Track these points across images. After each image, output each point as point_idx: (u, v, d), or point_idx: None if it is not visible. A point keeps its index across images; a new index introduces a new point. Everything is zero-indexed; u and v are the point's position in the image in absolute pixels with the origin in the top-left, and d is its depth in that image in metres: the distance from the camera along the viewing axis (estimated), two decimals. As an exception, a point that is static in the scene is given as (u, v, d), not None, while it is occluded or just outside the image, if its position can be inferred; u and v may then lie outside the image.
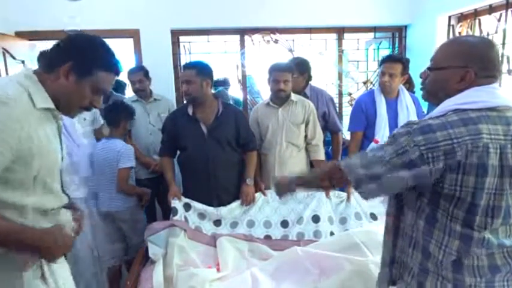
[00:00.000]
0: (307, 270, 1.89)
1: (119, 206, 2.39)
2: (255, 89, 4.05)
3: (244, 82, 3.73)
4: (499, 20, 2.83)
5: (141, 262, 2.06)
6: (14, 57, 2.78)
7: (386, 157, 1.02)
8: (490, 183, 0.97)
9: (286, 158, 2.52)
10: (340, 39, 3.76)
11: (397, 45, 3.82)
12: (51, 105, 1.10)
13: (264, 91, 3.89)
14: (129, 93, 3.96)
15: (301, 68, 2.81)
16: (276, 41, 3.61)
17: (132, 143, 2.70)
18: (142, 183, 2.73)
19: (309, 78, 2.92)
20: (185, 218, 2.25)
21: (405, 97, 2.59)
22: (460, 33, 3.19)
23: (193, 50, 3.69)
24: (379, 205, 2.37)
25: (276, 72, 2.43)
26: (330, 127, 2.85)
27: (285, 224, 2.39)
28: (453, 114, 1.01)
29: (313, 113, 2.54)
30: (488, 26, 2.96)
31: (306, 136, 2.55)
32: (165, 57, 3.46)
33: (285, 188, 1.46)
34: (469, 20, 3.14)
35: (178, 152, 2.51)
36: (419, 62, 2.79)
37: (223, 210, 2.36)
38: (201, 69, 2.25)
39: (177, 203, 2.26)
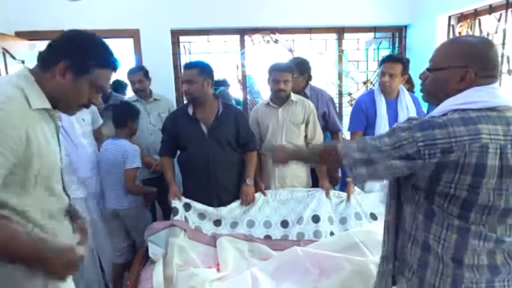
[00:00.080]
0: (307, 270, 1.89)
1: (125, 204, 2.43)
2: (255, 89, 4.05)
3: (244, 82, 3.73)
4: (499, 20, 2.83)
5: (141, 262, 2.06)
6: (14, 57, 2.78)
7: (383, 147, 1.04)
8: (487, 183, 0.97)
9: (286, 158, 2.51)
10: (340, 39, 3.75)
11: (397, 45, 3.82)
12: (48, 106, 1.10)
13: (264, 91, 3.89)
14: (129, 93, 3.97)
15: (301, 68, 2.81)
16: (276, 41, 3.61)
17: (137, 143, 2.71)
18: (144, 183, 2.74)
19: (309, 78, 2.92)
20: (185, 218, 2.25)
21: (405, 97, 2.58)
22: (460, 33, 3.19)
23: (193, 50, 3.69)
24: (379, 205, 2.37)
25: (276, 72, 2.43)
26: (330, 127, 2.85)
27: (285, 224, 2.39)
28: (454, 113, 1.02)
29: (313, 113, 2.54)
30: (488, 26, 2.96)
31: (306, 136, 2.55)
32: (165, 57, 3.46)
33: (280, 158, 1.46)
34: (469, 20, 3.14)
35: (178, 152, 2.51)
36: (419, 62, 2.79)
37: (223, 210, 2.36)
38: (203, 69, 2.25)
39: (177, 203, 2.26)
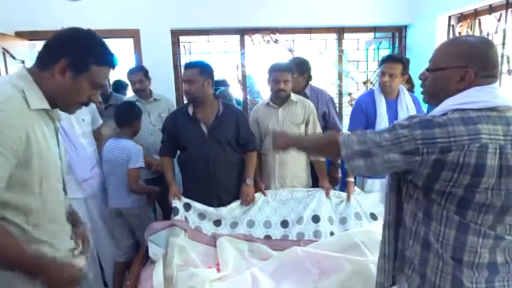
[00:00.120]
0: (307, 270, 1.89)
1: (128, 204, 2.45)
2: (255, 89, 4.05)
3: (244, 82, 3.73)
4: (499, 20, 2.83)
5: (141, 262, 2.06)
6: (14, 57, 2.78)
7: (382, 142, 1.04)
8: (486, 182, 0.97)
9: (286, 158, 2.51)
10: (340, 39, 3.75)
11: (397, 45, 3.82)
12: (46, 106, 1.09)
13: (264, 91, 3.89)
14: (129, 93, 3.97)
15: (301, 68, 2.81)
16: (276, 41, 3.61)
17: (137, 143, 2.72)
18: (145, 183, 2.73)
19: (309, 78, 2.92)
20: (185, 218, 2.25)
21: (405, 97, 2.58)
22: (460, 33, 3.19)
23: (193, 50, 3.69)
24: (379, 205, 2.37)
25: (276, 72, 2.43)
26: (330, 127, 2.85)
27: (285, 224, 2.39)
28: (454, 113, 1.02)
29: (313, 113, 2.54)
30: (488, 26, 2.96)
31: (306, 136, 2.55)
32: (165, 57, 3.46)
33: (280, 144, 1.46)
34: (469, 20, 3.14)
35: (178, 152, 2.51)
36: (419, 62, 2.79)
37: (223, 211, 2.36)
38: (203, 69, 2.25)
39: (177, 203, 2.26)
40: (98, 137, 2.60)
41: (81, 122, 2.38)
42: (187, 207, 2.30)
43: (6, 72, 2.66)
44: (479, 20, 3.04)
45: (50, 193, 1.11)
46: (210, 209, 2.34)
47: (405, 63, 2.50)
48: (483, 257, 1.02)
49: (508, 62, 2.78)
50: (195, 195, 2.34)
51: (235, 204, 2.40)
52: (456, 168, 0.97)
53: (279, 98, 2.49)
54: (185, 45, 3.64)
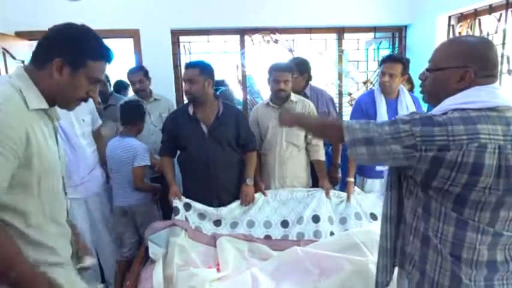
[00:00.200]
0: (307, 270, 1.89)
1: (133, 201, 2.48)
2: (255, 89, 4.05)
3: (244, 82, 3.73)
4: (499, 20, 2.83)
5: (141, 262, 2.06)
6: (14, 57, 2.78)
7: (383, 134, 1.05)
8: (483, 182, 0.98)
9: (286, 158, 2.52)
10: (340, 39, 3.76)
11: (397, 45, 3.82)
12: (45, 106, 1.09)
13: (264, 91, 3.89)
14: (130, 93, 3.96)
15: (301, 68, 2.81)
16: (276, 41, 3.61)
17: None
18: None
19: (309, 78, 2.92)
20: (185, 218, 2.25)
21: (405, 97, 2.58)
22: (460, 33, 3.19)
23: (193, 50, 3.69)
24: (379, 205, 2.36)
25: (276, 72, 2.43)
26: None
27: (285, 224, 2.39)
28: (454, 112, 1.03)
29: (313, 113, 2.54)
30: (488, 26, 2.96)
31: (306, 136, 2.55)
32: (165, 57, 3.46)
33: (287, 120, 1.50)
34: (469, 20, 3.14)
35: (178, 152, 2.51)
36: (419, 62, 2.79)
37: (223, 211, 2.36)
38: (204, 69, 2.25)
39: (178, 203, 2.26)
40: (98, 137, 2.60)
41: (81, 122, 2.38)
42: (188, 207, 2.30)
43: (7, 72, 2.66)
44: (479, 20, 3.04)
45: (49, 193, 1.10)
46: (210, 209, 2.33)
47: (405, 63, 2.50)
48: (482, 254, 1.03)
49: (508, 62, 2.78)
50: (195, 195, 2.34)
51: (235, 204, 2.40)
52: (454, 167, 0.98)
53: (279, 98, 2.49)
54: (185, 45, 3.64)
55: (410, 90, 3.11)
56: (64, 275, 1.17)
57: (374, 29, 3.72)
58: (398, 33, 3.79)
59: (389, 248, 1.23)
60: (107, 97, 3.35)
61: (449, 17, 3.24)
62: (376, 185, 2.60)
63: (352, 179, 2.53)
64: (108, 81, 3.53)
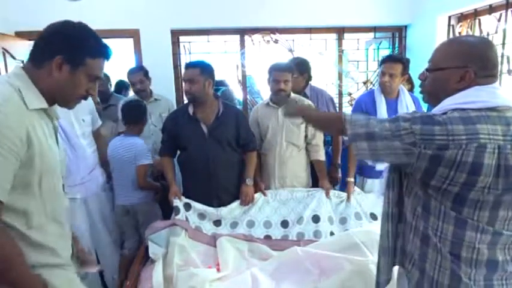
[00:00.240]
0: (307, 270, 1.89)
1: (135, 200, 2.51)
2: (255, 89, 4.05)
3: (244, 82, 3.73)
4: (499, 20, 2.83)
5: (141, 262, 2.06)
6: (14, 57, 2.78)
7: (383, 131, 1.06)
8: (482, 181, 0.98)
9: (286, 158, 2.52)
10: (340, 39, 3.76)
11: (397, 45, 3.82)
12: (44, 105, 1.09)
13: (264, 91, 3.89)
14: (131, 93, 3.96)
15: (301, 68, 2.81)
16: (276, 41, 3.61)
17: None
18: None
19: (309, 78, 2.92)
20: (186, 217, 2.25)
21: (405, 97, 2.58)
22: (460, 33, 3.19)
23: (193, 50, 3.69)
24: (379, 205, 2.36)
25: (276, 72, 2.43)
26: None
27: (285, 224, 2.39)
28: (454, 112, 1.03)
29: (313, 113, 2.54)
30: (488, 26, 2.96)
31: (306, 136, 2.55)
32: (165, 57, 3.46)
33: (291, 111, 1.51)
34: (469, 20, 3.14)
35: (178, 152, 2.51)
36: (419, 62, 2.78)
37: (223, 211, 2.36)
38: (204, 69, 2.25)
39: (178, 202, 2.26)
40: (98, 137, 2.60)
41: (82, 122, 2.38)
42: (187, 207, 2.30)
43: (7, 72, 2.66)
44: (479, 20, 3.04)
45: (50, 193, 1.10)
46: (210, 209, 2.33)
47: (405, 63, 2.50)
48: (482, 253, 1.03)
49: (508, 62, 2.78)
50: (195, 195, 2.34)
51: (235, 204, 2.40)
52: (453, 166, 0.98)
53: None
54: (185, 45, 3.64)
55: (411, 90, 3.11)
56: (65, 276, 1.17)
57: (374, 29, 3.72)
58: (398, 33, 3.79)
59: (390, 247, 1.23)
60: (107, 97, 3.35)
61: (449, 17, 3.24)
62: (376, 185, 2.60)
63: (352, 179, 2.54)
64: (109, 81, 3.53)
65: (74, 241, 1.30)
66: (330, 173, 2.76)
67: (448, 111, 1.05)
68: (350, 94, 3.90)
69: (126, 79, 3.53)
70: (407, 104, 2.57)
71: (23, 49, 2.96)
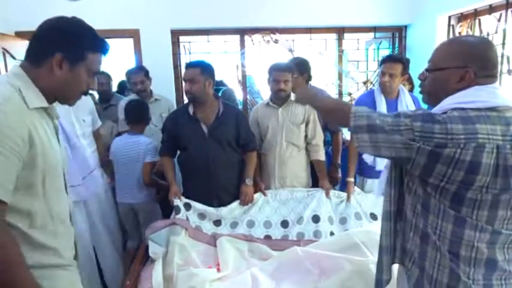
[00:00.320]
0: (307, 270, 1.89)
1: (138, 199, 2.54)
2: (255, 89, 4.05)
3: (244, 82, 3.73)
4: (499, 20, 2.83)
5: (141, 261, 2.06)
6: (14, 57, 2.78)
7: (385, 126, 1.06)
8: (480, 180, 0.98)
9: (286, 158, 2.52)
10: (340, 39, 3.76)
11: (397, 45, 3.82)
12: (45, 104, 1.08)
13: (264, 91, 3.89)
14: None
15: (301, 68, 2.81)
16: (276, 41, 3.61)
17: None
18: None
19: (309, 78, 2.92)
20: (186, 217, 2.25)
21: (405, 97, 2.58)
22: (460, 33, 3.19)
23: (193, 50, 3.69)
24: (379, 205, 2.36)
25: (276, 72, 2.43)
26: (330, 127, 2.85)
27: (285, 224, 2.39)
28: (453, 112, 1.03)
29: (313, 113, 2.54)
30: (488, 26, 2.96)
31: (306, 136, 2.55)
32: (165, 57, 3.46)
33: (301, 97, 1.54)
34: (469, 20, 3.14)
35: (178, 152, 2.51)
36: (419, 62, 2.78)
37: (223, 211, 2.36)
38: (205, 69, 2.26)
39: (178, 202, 2.26)
40: (98, 137, 2.60)
41: (82, 122, 2.38)
42: (188, 207, 2.30)
43: (6, 72, 2.66)
44: (479, 20, 3.04)
45: (54, 192, 1.09)
46: (210, 209, 2.33)
47: (405, 63, 2.50)
48: (481, 252, 1.03)
49: (508, 62, 2.78)
50: (195, 195, 2.34)
51: (235, 204, 2.40)
52: (451, 164, 0.98)
53: (279, 98, 2.49)
54: (185, 45, 3.65)
55: (411, 90, 3.11)
56: (68, 277, 1.16)
57: (374, 29, 3.72)
58: (398, 33, 3.80)
59: (390, 245, 1.24)
60: (109, 97, 3.35)
61: (449, 17, 3.24)
62: (376, 185, 2.60)
63: (352, 179, 2.54)
64: (111, 80, 3.51)
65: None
66: (330, 173, 2.76)
67: (448, 111, 1.05)
68: (350, 94, 3.90)
69: (122, 79, 3.53)
70: (407, 104, 2.57)
71: (23, 49, 2.91)
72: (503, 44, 2.79)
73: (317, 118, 2.58)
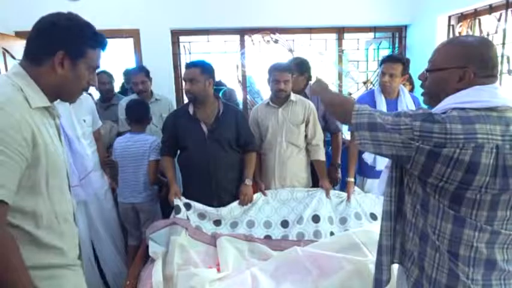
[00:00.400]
0: (307, 270, 1.89)
1: (140, 198, 2.55)
2: (255, 89, 4.05)
3: (244, 82, 3.73)
4: (499, 20, 2.83)
5: (141, 261, 2.06)
6: (14, 57, 2.78)
7: (385, 123, 1.07)
8: (479, 180, 0.98)
9: (286, 158, 2.52)
10: (340, 39, 3.76)
11: (397, 45, 3.82)
12: (47, 103, 1.07)
13: (264, 91, 3.89)
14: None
15: (301, 68, 2.81)
16: (276, 41, 3.61)
17: None
18: None
19: (309, 78, 2.92)
20: (187, 217, 2.25)
21: (405, 97, 2.59)
22: (460, 33, 3.19)
23: (193, 50, 3.69)
24: (379, 205, 2.37)
25: (276, 72, 2.43)
26: (330, 127, 2.85)
27: (285, 224, 2.38)
28: (453, 111, 1.03)
29: (313, 113, 2.54)
30: (488, 26, 2.97)
31: (306, 136, 2.55)
32: (165, 57, 3.46)
33: (314, 90, 1.61)
34: (469, 20, 3.14)
35: (178, 152, 2.51)
36: (419, 62, 2.78)
37: (223, 211, 2.35)
38: (205, 69, 2.26)
39: (179, 202, 2.26)
40: (98, 138, 2.59)
41: (82, 122, 2.38)
42: (188, 206, 2.30)
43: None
44: (479, 20, 3.04)
45: (57, 192, 1.09)
46: (210, 209, 2.33)
47: (405, 63, 2.50)
48: (480, 252, 1.03)
49: (508, 62, 2.79)
50: (195, 195, 2.34)
51: (235, 204, 2.40)
52: (450, 163, 0.98)
53: (279, 98, 2.49)
54: (185, 45, 3.65)
55: (411, 90, 3.11)
56: (73, 277, 1.16)
57: (374, 29, 3.72)
58: (398, 33, 3.80)
59: (390, 244, 1.24)
60: (110, 96, 3.34)
61: (449, 17, 3.24)
62: (376, 185, 2.60)
63: (352, 179, 2.54)
64: (113, 80, 3.50)
65: None
66: (329, 173, 2.76)
67: (448, 111, 1.05)
68: (350, 94, 3.90)
69: (121, 78, 3.52)
70: (407, 104, 2.57)
71: (23, 49, 2.96)
72: (503, 44, 2.79)
73: (317, 118, 2.58)
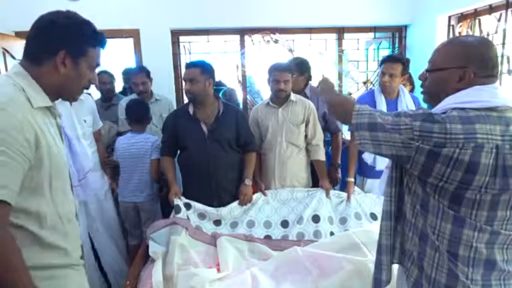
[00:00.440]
0: (307, 270, 1.89)
1: (141, 198, 2.57)
2: (255, 89, 4.05)
3: (244, 82, 3.73)
4: (499, 20, 2.83)
5: (141, 261, 2.06)
6: (14, 57, 2.78)
7: (385, 123, 1.07)
8: (479, 180, 0.98)
9: (286, 158, 2.52)
10: (340, 39, 3.76)
11: (397, 45, 3.82)
12: (48, 103, 1.07)
13: (264, 91, 3.89)
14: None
15: (301, 68, 2.81)
16: (276, 41, 3.61)
17: None
18: None
19: (309, 78, 2.92)
20: (187, 216, 2.25)
21: (405, 97, 2.58)
22: (460, 33, 3.19)
23: (193, 50, 3.69)
24: (379, 205, 2.37)
25: (276, 72, 2.43)
26: (330, 127, 2.85)
27: (285, 224, 2.38)
28: (453, 111, 1.03)
29: (313, 113, 2.54)
30: (488, 26, 2.97)
31: (306, 136, 2.55)
32: (165, 57, 3.46)
33: (321, 90, 1.53)
34: (469, 20, 3.14)
35: (178, 152, 2.51)
36: (419, 62, 2.79)
37: (223, 211, 2.36)
38: (205, 69, 2.26)
39: (179, 201, 2.26)
40: (98, 138, 2.59)
41: (83, 123, 2.37)
42: (188, 206, 2.30)
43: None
44: (479, 20, 3.04)
45: (60, 192, 1.08)
46: (210, 209, 2.33)
47: (405, 63, 2.50)
48: (480, 252, 1.03)
49: (508, 62, 2.79)
50: (195, 195, 2.34)
51: (235, 204, 2.40)
52: (450, 163, 0.98)
53: (279, 98, 2.49)
54: (185, 45, 3.65)
55: (411, 90, 3.11)
56: (76, 277, 1.16)
57: (374, 29, 3.71)
58: (398, 33, 3.79)
59: (389, 244, 1.24)
60: (111, 96, 3.34)
61: (449, 17, 3.24)
62: (376, 185, 2.60)
63: (352, 179, 2.54)
64: (114, 80, 3.49)
65: None
66: (329, 173, 2.76)
67: (448, 111, 1.05)
68: (350, 94, 3.90)
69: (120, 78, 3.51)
70: (407, 104, 2.57)
71: (23, 49, 2.96)
72: (503, 44, 2.79)
73: (317, 118, 2.58)
